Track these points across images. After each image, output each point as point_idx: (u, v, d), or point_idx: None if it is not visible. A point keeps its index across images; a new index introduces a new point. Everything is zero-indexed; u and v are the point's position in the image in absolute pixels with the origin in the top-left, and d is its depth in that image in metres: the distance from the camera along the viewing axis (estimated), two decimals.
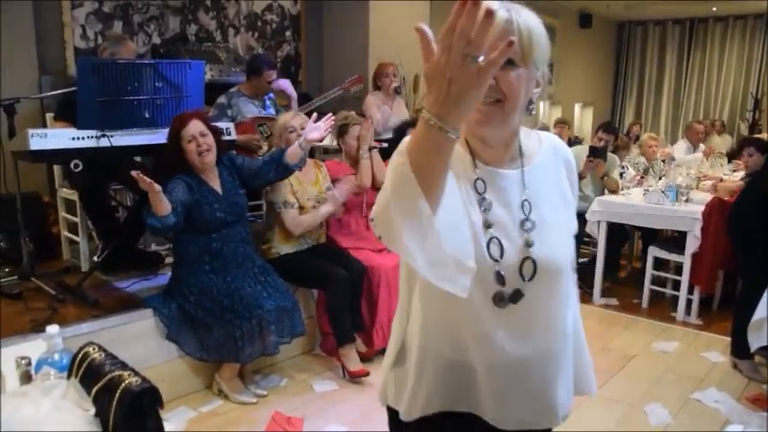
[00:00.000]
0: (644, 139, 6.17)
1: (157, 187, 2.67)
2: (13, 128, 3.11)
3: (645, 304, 4.72)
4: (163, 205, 2.72)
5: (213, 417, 2.97)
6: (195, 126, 2.95)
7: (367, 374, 3.29)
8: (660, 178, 5.28)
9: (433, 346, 1.28)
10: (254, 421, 2.92)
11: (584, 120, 11.86)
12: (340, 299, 3.33)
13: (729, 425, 2.97)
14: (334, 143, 4.09)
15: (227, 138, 3.35)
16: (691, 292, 4.41)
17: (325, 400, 3.15)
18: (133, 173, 2.65)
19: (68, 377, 1.28)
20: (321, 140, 3.35)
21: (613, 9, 10.64)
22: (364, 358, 3.42)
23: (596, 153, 4.78)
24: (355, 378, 3.30)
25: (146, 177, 2.62)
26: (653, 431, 2.95)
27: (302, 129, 3.36)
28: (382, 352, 3.54)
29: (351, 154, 3.77)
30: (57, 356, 1.38)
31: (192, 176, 2.98)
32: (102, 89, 2.95)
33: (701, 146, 7.10)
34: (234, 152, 3.45)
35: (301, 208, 3.43)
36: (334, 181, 3.66)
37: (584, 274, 5.04)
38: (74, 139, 2.93)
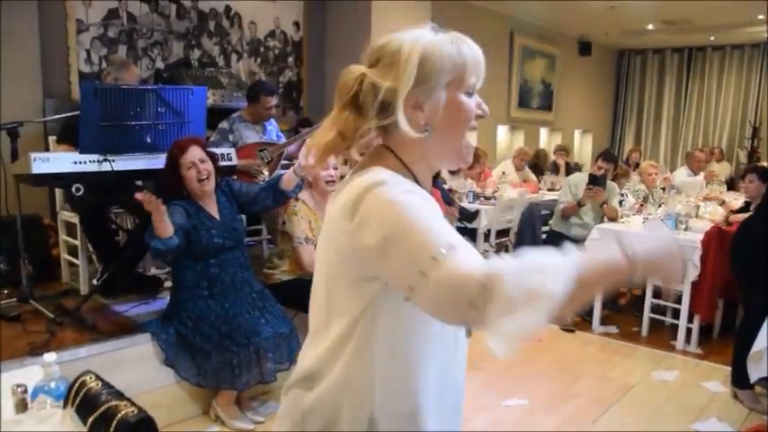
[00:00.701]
0: (644, 167, 6.21)
1: (163, 207, 2.70)
2: (15, 151, 3.12)
3: (644, 332, 4.70)
4: (167, 227, 2.75)
5: None
6: (194, 153, 2.96)
7: None
8: (659, 206, 5.30)
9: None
10: None
11: (583, 146, 11.93)
12: None
13: None
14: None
15: (227, 163, 3.37)
16: (690, 320, 4.40)
17: None
18: (138, 195, 2.67)
19: (65, 406, 1.28)
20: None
21: (612, 37, 10.77)
22: None
23: (596, 181, 4.80)
24: None
25: (152, 197, 2.65)
26: None
27: (335, 168, 3.42)
28: None
29: None
30: (53, 384, 1.38)
31: (189, 202, 2.99)
32: (105, 114, 2.98)
33: (701, 173, 7.17)
34: (234, 177, 3.47)
35: (316, 246, 3.41)
36: None
37: None
38: (76, 163, 2.95)
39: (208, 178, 2.98)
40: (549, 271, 0.92)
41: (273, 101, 4.16)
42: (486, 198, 5.92)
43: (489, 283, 0.90)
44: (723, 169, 8.98)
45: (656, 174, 6.10)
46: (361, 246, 1.01)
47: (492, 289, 0.90)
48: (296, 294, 3.38)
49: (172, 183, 2.97)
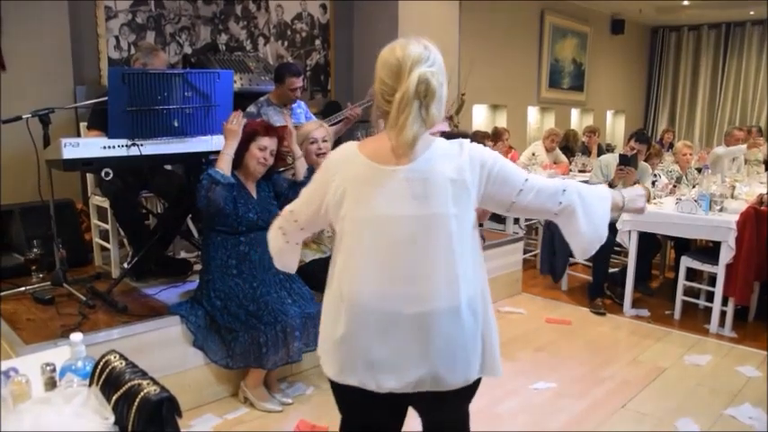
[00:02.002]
0: (678, 147, 6.07)
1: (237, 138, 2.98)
2: (47, 137, 3.18)
3: (677, 316, 4.62)
4: (230, 165, 2.97)
5: (238, 424, 2.98)
6: (272, 142, 3.09)
7: None
8: (693, 187, 5.18)
9: None
10: (280, 429, 2.93)
11: (616, 127, 11.72)
12: None
13: None
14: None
15: None
16: (725, 303, 4.30)
17: None
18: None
19: (90, 385, 1.30)
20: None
21: (646, 14, 10.51)
22: None
23: (626, 162, 4.71)
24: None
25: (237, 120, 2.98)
26: None
27: (324, 141, 3.41)
28: None
29: None
30: (80, 363, 1.40)
31: (234, 176, 3.04)
32: (133, 99, 3.00)
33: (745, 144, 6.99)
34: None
35: None
36: None
37: (615, 284, 4.97)
38: (105, 147, 2.99)
39: (265, 166, 3.09)
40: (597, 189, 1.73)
41: (298, 82, 4.15)
42: None
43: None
44: (762, 148, 8.74)
45: (690, 154, 5.97)
46: (487, 172, 1.59)
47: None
48: (319, 276, 3.40)
49: (238, 147, 3.03)
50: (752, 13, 10.43)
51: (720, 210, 4.34)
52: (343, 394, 1.68)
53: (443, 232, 1.53)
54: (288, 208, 1.80)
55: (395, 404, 1.66)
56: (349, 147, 1.64)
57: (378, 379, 1.57)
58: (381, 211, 1.54)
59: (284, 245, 1.85)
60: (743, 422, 3.08)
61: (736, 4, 9.71)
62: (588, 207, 1.65)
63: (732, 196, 4.78)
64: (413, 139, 1.50)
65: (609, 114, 11.47)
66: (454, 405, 1.74)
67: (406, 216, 1.53)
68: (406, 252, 1.54)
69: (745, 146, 6.92)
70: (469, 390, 1.67)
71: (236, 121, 3.00)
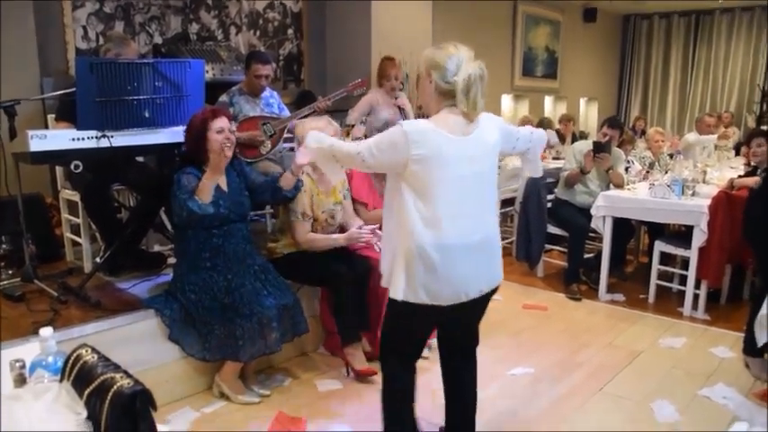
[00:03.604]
0: (650, 134, 6.14)
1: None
2: (13, 129, 3.08)
3: (651, 300, 4.68)
4: (211, 191, 2.95)
5: (216, 417, 2.95)
6: (225, 121, 3.00)
7: (374, 374, 3.26)
8: (666, 172, 5.24)
9: None
10: (258, 421, 2.90)
11: (589, 114, 11.80)
12: (346, 297, 3.30)
13: (736, 422, 2.93)
14: None
15: None
16: (698, 286, 4.37)
17: (329, 400, 3.14)
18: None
19: (61, 380, 1.27)
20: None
21: (618, 3, 10.56)
22: (369, 358, 3.39)
23: (600, 148, 4.74)
24: (362, 377, 3.28)
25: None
26: (660, 429, 2.92)
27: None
28: None
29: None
30: (50, 359, 1.37)
31: (201, 170, 2.98)
32: (102, 89, 2.94)
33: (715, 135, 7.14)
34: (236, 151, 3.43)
35: (315, 220, 3.38)
36: (354, 200, 3.69)
37: (590, 269, 5.01)
38: (74, 139, 2.92)
39: (230, 147, 3.00)
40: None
41: (263, 69, 4.06)
42: None
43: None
44: (732, 134, 8.88)
45: (662, 140, 6.04)
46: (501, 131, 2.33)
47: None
48: (297, 267, 3.39)
49: (196, 144, 2.96)
50: (720, 1, 10.56)
51: (692, 194, 4.39)
52: (419, 313, 2.19)
53: (489, 184, 2.26)
54: (357, 150, 2.20)
55: (440, 316, 2.22)
56: (426, 122, 2.16)
57: (467, 291, 2.18)
58: (457, 172, 2.12)
59: (335, 165, 2.32)
60: (717, 402, 3.14)
61: None
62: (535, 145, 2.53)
63: (704, 181, 4.85)
64: (481, 110, 2.17)
65: (582, 102, 11.55)
66: (482, 306, 2.37)
67: (469, 174, 2.15)
68: (470, 199, 2.17)
69: (715, 136, 7.05)
70: (493, 292, 2.34)
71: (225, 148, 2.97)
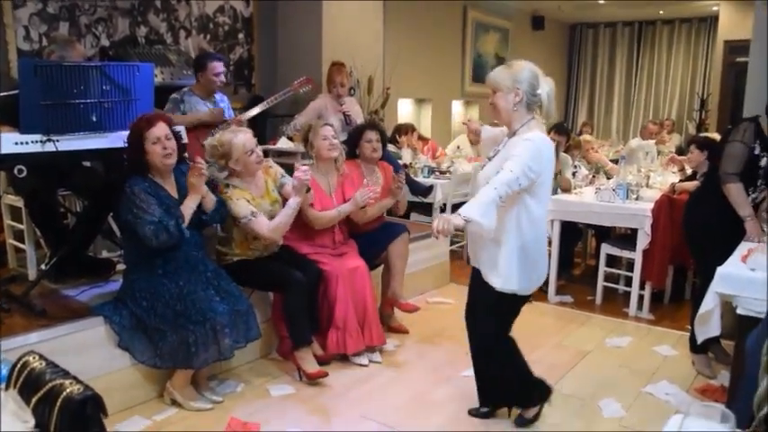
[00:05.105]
0: (580, 142, 6.30)
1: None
2: None
3: (598, 301, 4.81)
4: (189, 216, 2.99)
5: (168, 425, 2.91)
6: (161, 128, 2.91)
7: (325, 375, 3.26)
8: (609, 178, 5.41)
9: None
10: (211, 428, 2.87)
11: None
12: (297, 302, 3.29)
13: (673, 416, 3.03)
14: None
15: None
16: (642, 287, 4.51)
17: (282, 405, 3.12)
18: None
19: (7, 388, 1.24)
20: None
21: (565, 11, 10.84)
22: (320, 361, 3.39)
23: None
24: (313, 380, 3.28)
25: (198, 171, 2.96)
26: (606, 426, 3.00)
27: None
28: (338, 356, 3.53)
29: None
30: None
31: (147, 179, 2.93)
32: (47, 92, 2.87)
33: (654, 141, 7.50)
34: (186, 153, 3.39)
35: None
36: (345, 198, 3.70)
37: None
38: (17, 143, 2.84)
39: (171, 155, 2.94)
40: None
41: (221, 67, 4.05)
42: (442, 173, 5.95)
43: None
44: (673, 141, 9.20)
45: (592, 148, 6.32)
46: None
47: None
48: (250, 273, 3.37)
49: (136, 156, 2.90)
50: (661, 12, 10.96)
51: (636, 198, 4.54)
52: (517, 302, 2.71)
53: None
54: (510, 179, 2.37)
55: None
56: (546, 136, 2.59)
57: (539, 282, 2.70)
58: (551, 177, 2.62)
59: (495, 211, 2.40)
60: (660, 398, 3.25)
61: (647, 4, 10.16)
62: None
63: (647, 185, 5.01)
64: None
65: None
66: None
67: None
68: None
69: (653, 141, 7.43)
70: None
71: (198, 174, 2.95)
